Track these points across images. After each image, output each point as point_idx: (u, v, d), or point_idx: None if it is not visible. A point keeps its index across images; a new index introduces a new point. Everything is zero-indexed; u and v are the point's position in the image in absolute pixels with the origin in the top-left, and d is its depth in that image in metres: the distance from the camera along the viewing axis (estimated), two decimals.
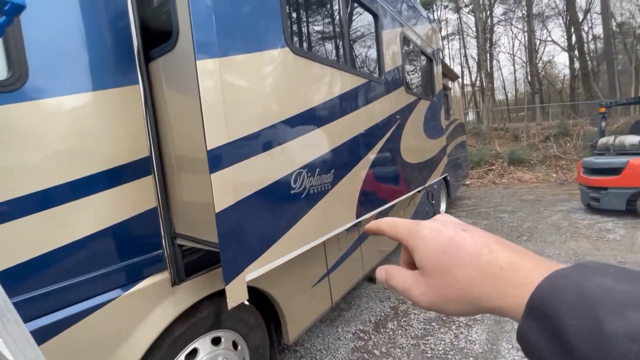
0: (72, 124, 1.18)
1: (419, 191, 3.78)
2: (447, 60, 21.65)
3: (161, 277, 1.38)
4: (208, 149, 1.18)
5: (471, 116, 22.01)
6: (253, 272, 1.37)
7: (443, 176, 4.98)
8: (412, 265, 0.37)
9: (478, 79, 24.10)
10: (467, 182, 9.20)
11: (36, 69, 1.10)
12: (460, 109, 8.06)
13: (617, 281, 0.22)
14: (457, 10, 24.86)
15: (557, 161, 11.00)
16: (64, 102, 1.17)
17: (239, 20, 1.40)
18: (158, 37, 1.42)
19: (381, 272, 0.38)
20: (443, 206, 5.69)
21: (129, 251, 1.31)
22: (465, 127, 9.23)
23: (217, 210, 1.20)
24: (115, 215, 1.28)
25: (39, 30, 1.12)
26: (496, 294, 0.28)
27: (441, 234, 0.33)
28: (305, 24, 1.98)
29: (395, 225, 0.37)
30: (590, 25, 21.13)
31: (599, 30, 18.80)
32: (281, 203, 1.53)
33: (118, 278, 1.27)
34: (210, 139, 1.19)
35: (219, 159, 1.22)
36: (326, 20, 2.17)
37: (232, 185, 1.27)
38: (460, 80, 7.84)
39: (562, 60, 44.18)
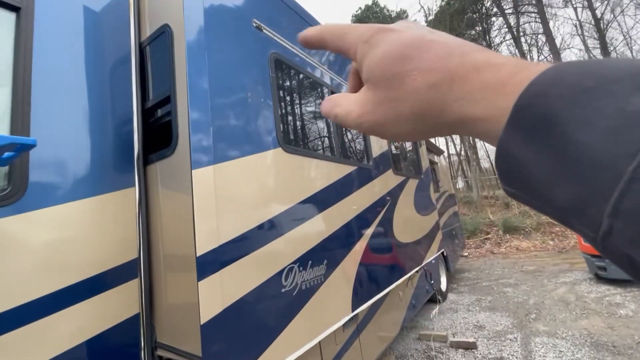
0: (63, 232, 1.18)
1: (417, 271, 3.67)
2: None
3: None
4: (197, 255, 1.18)
5: (460, 184, 22.71)
6: None
7: (440, 251, 4.90)
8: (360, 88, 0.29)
9: (462, 149, 25.58)
10: (465, 254, 9.03)
11: (36, 181, 1.15)
12: (449, 179, 8.36)
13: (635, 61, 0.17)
14: None
15: (551, 228, 11.02)
16: (58, 211, 1.19)
17: (236, 128, 1.52)
18: (157, 141, 1.53)
19: (326, 103, 0.30)
20: (444, 281, 5.47)
21: None
22: (456, 197, 9.45)
23: (202, 322, 1.13)
24: (94, 327, 1.20)
25: (47, 147, 1.20)
26: (464, 102, 0.21)
27: (402, 35, 0.25)
28: (296, 122, 2.17)
29: (344, 34, 0.28)
30: None
31: None
32: (271, 305, 1.46)
33: None
34: (200, 244, 1.20)
35: (207, 264, 1.20)
36: (316, 116, 2.37)
37: (220, 292, 1.23)
38: (445, 153, 8.28)
39: None
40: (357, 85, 0.30)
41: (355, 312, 2.12)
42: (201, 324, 1.13)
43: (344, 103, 0.28)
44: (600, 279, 5.46)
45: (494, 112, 0.20)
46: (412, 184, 3.94)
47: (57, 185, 1.22)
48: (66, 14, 1.38)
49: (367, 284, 2.34)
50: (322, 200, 2.00)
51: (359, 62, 0.27)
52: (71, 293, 1.16)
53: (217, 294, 1.21)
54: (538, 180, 0.18)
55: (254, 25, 1.76)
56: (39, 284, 1.09)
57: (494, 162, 0.20)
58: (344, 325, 2.03)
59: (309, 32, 0.31)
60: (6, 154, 0.73)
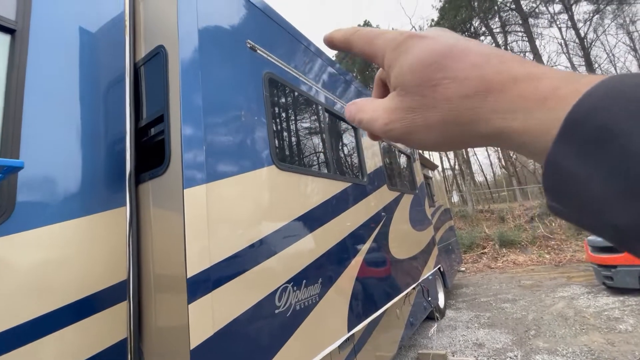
0: (50, 254, 1.15)
1: (413, 288, 3.62)
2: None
3: None
4: (188, 276, 1.15)
5: (455, 198, 22.82)
6: None
7: (437, 267, 4.86)
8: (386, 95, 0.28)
9: (456, 163, 25.87)
10: (462, 269, 8.97)
11: (24, 202, 1.13)
12: (444, 194, 8.39)
13: None
14: None
15: (547, 241, 11.04)
16: (45, 233, 1.17)
17: (229, 146, 1.52)
18: (150, 159, 1.53)
19: (350, 108, 0.29)
20: (441, 297, 5.39)
21: None
22: (452, 211, 9.46)
23: (192, 346, 1.10)
24: (80, 353, 1.15)
25: (35, 167, 1.18)
26: (501, 114, 0.20)
27: (435, 41, 0.24)
28: (290, 139, 2.18)
29: (373, 38, 0.27)
30: None
31: None
32: (264, 327, 1.42)
33: None
34: (191, 265, 1.17)
35: (198, 286, 1.17)
36: (310, 133, 2.39)
37: (211, 315, 1.20)
38: (439, 167, 8.35)
39: None
40: (382, 93, 0.30)
41: (352, 332, 2.07)
42: (191, 348, 1.09)
43: (370, 108, 0.27)
44: (600, 292, 5.44)
45: (534, 126, 0.19)
46: (407, 199, 3.94)
47: (46, 205, 1.20)
48: (61, 35, 1.40)
49: (363, 302, 2.30)
50: (316, 217, 1.98)
51: (387, 68, 0.26)
52: (56, 318, 1.12)
53: (208, 317, 1.18)
54: (595, 197, 0.16)
55: (248, 45, 1.79)
56: (22, 309, 1.05)
57: (540, 178, 0.19)
58: (340, 346, 1.98)
59: (336, 34, 0.30)
60: None
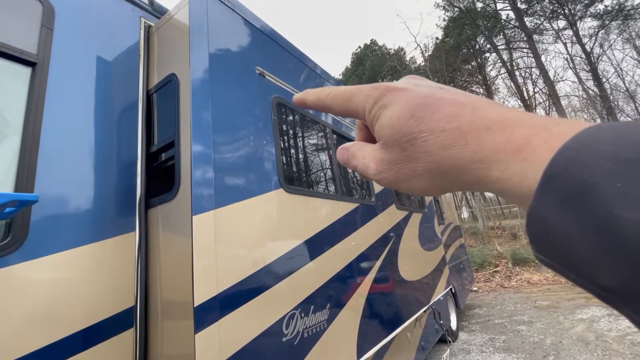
0: (59, 282, 1.16)
1: (425, 311, 3.52)
2: None
3: None
4: (195, 305, 1.14)
5: (465, 214, 22.45)
6: None
7: (448, 288, 4.73)
8: (371, 141, 0.29)
9: None
10: (475, 288, 8.70)
11: (37, 229, 1.15)
12: (453, 210, 8.26)
13: None
14: None
15: None
16: (56, 260, 1.18)
17: (238, 171, 1.54)
18: (160, 184, 1.55)
19: (342, 152, 0.30)
20: (454, 319, 5.22)
21: None
22: (462, 228, 9.28)
23: None
24: None
25: (49, 195, 1.21)
26: (480, 163, 0.21)
27: (411, 94, 0.25)
28: (298, 162, 2.20)
29: (349, 98, 0.28)
30: None
31: None
32: (271, 356, 1.39)
33: None
34: (199, 293, 1.16)
35: (205, 315, 1.16)
36: (317, 155, 2.41)
37: (218, 344, 1.17)
38: None
39: None
40: (365, 137, 0.31)
41: (362, 358, 2.00)
42: None
43: (361, 156, 0.28)
44: (616, 316, 5.19)
45: (511, 176, 0.20)
46: (416, 217, 3.89)
47: (59, 232, 1.21)
48: (79, 66, 1.46)
49: (373, 327, 2.24)
50: (324, 240, 1.96)
51: (369, 123, 0.27)
52: (64, 346, 1.11)
53: (214, 347, 1.16)
54: (578, 253, 0.16)
55: (257, 72, 1.84)
56: (30, 338, 1.05)
57: (524, 228, 0.19)
58: None
59: (308, 95, 0.31)
60: (7, 209, 0.73)
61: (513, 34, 21.67)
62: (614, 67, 22.57)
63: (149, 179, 1.54)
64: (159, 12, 1.88)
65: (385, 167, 0.26)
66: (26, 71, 1.28)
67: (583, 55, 20.39)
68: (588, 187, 0.16)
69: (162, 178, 1.56)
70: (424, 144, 0.23)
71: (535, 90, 22.03)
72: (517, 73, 22.24)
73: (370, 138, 0.30)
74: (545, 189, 0.17)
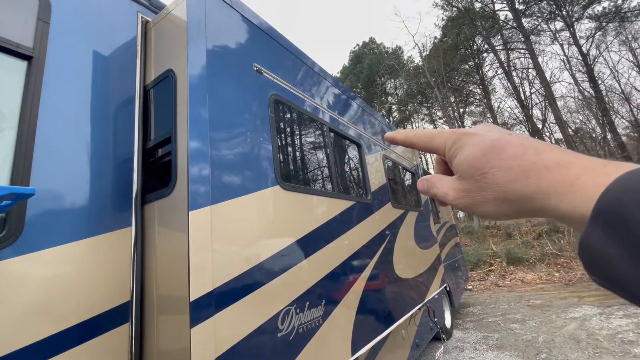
0: (55, 276, 1.16)
1: (419, 308, 3.55)
2: (429, 165, 23.52)
3: None
4: (191, 299, 1.14)
5: (461, 213, 22.56)
6: None
7: (443, 286, 4.77)
8: (444, 172, 0.36)
9: None
10: (469, 287, 8.77)
11: (32, 223, 1.14)
12: (449, 210, 8.31)
13: None
14: (432, 122, 28.39)
15: (556, 259, 10.80)
16: (52, 254, 1.18)
17: (234, 167, 1.54)
18: (156, 180, 1.55)
19: (422, 183, 0.37)
20: (448, 317, 5.26)
21: None
22: (457, 227, 9.33)
23: None
24: None
25: (45, 189, 1.21)
26: (540, 194, 0.26)
27: (484, 137, 0.31)
28: (295, 159, 2.20)
29: (431, 138, 0.36)
30: (550, 132, 23.91)
31: (559, 135, 21.20)
32: (267, 351, 1.40)
33: None
34: (194, 288, 1.17)
35: (201, 310, 1.17)
36: (314, 153, 2.41)
37: (213, 339, 1.18)
38: None
39: None
40: (442, 170, 0.37)
41: (356, 355, 2.02)
42: None
43: (440, 185, 0.35)
44: (613, 313, 5.27)
45: (566, 204, 0.24)
46: (412, 216, 3.91)
47: (54, 227, 1.21)
48: (76, 60, 1.45)
49: (367, 324, 2.25)
50: (320, 237, 1.97)
51: (448, 159, 0.34)
52: (60, 340, 1.11)
53: (210, 341, 1.17)
54: (623, 275, 0.20)
55: (255, 69, 1.84)
56: (25, 332, 1.05)
57: (577, 253, 0.23)
58: None
59: (397, 135, 0.39)
60: (4, 203, 0.73)
61: (511, 34, 21.76)
62: (610, 69, 22.74)
63: (146, 175, 1.54)
64: (156, 7, 1.87)
65: (461, 194, 0.32)
66: (22, 65, 1.27)
67: (579, 57, 20.52)
68: (626, 220, 0.20)
69: (159, 173, 1.56)
70: (493, 177, 0.29)
71: (532, 91, 22.16)
72: (514, 74, 22.35)
73: (446, 171, 0.36)
74: (595, 221, 0.21)
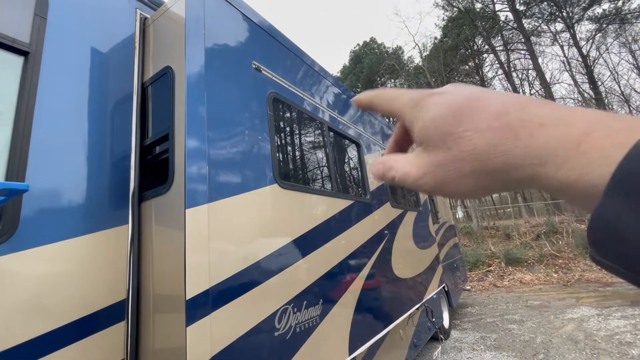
0: (51, 273, 1.15)
1: (417, 308, 3.54)
2: None
3: None
4: (187, 298, 1.14)
5: (460, 214, 22.59)
6: None
7: (441, 286, 4.77)
8: (404, 145, 0.30)
9: None
10: (468, 287, 8.77)
11: (28, 220, 1.14)
12: (448, 210, 8.31)
13: None
14: None
15: (555, 260, 10.81)
16: (48, 251, 1.17)
17: (232, 165, 1.53)
18: (154, 177, 1.54)
19: (378, 167, 0.29)
20: (446, 317, 5.26)
21: None
22: (456, 228, 9.34)
23: None
24: None
25: (41, 185, 1.20)
26: (534, 159, 0.20)
27: (453, 95, 0.24)
28: (293, 158, 2.19)
29: (392, 99, 0.29)
30: None
31: None
32: (263, 350, 1.39)
33: None
34: (191, 286, 1.16)
35: (197, 308, 1.16)
36: (313, 152, 2.41)
37: (209, 338, 1.17)
38: None
39: None
40: (401, 138, 0.31)
41: (354, 354, 2.01)
42: None
43: (399, 165, 0.28)
44: (610, 314, 5.27)
45: (567, 172, 0.19)
46: (411, 216, 3.91)
47: (50, 223, 1.20)
48: (73, 56, 1.44)
49: (365, 324, 2.25)
50: (318, 236, 1.97)
51: (409, 126, 0.28)
52: (55, 338, 1.10)
53: (206, 340, 1.16)
54: None
55: (253, 66, 1.83)
56: (20, 329, 1.04)
57: (586, 230, 0.18)
58: None
59: (361, 96, 0.32)
60: None
61: (511, 35, 21.76)
62: (610, 71, 22.77)
63: (143, 172, 1.53)
64: (155, 3, 1.86)
65: (428, 170, 0.25)
66: (18, 60, 1.26)
67: (579, 58, 20.54)
68: None
69: (156, 171, 1.55)
70: (470, 142, 0.22)
71: (532, 92, 22.17)
72: (514, 74, 22.36)
73: (405, 138, 0.31)
74: (618, 189, 0.16)
